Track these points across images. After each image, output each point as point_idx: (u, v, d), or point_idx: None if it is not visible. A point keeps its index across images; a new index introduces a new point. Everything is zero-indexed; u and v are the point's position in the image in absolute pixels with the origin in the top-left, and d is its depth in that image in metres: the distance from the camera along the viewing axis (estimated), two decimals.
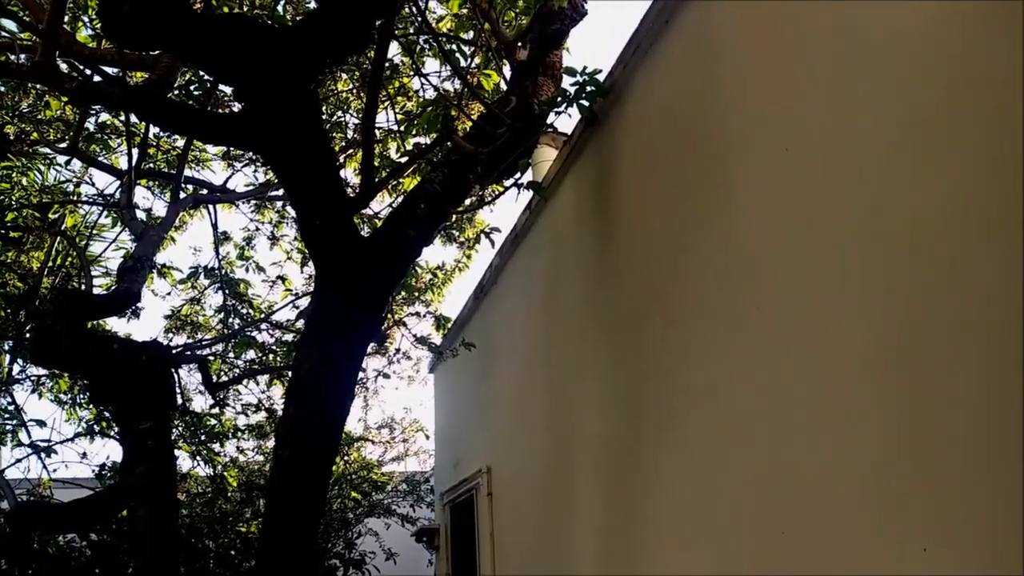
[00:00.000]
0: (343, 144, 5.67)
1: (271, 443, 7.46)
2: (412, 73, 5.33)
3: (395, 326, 6.19)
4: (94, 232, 6.08)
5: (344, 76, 5.43)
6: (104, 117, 5.44)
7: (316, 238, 3.26)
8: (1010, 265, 1.66)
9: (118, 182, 5.46)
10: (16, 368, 5.71)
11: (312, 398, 3.11)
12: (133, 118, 5.00)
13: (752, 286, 2.67)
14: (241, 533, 6.91)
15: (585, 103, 3.61)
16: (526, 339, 5.50)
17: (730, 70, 2.97)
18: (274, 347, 6.21)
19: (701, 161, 3.13)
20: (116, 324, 9.72)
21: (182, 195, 5.52)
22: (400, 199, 4.87)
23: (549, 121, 3.97)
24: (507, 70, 4.49)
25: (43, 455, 5.47)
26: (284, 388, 5.97)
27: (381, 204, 5.95)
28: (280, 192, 5.98)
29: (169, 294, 6.61)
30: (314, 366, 3.15)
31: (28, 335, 5.00)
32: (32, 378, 5.84)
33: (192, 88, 4.47)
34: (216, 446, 6.76)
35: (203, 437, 6.56)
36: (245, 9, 4.76)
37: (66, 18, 3.99)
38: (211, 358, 5.96)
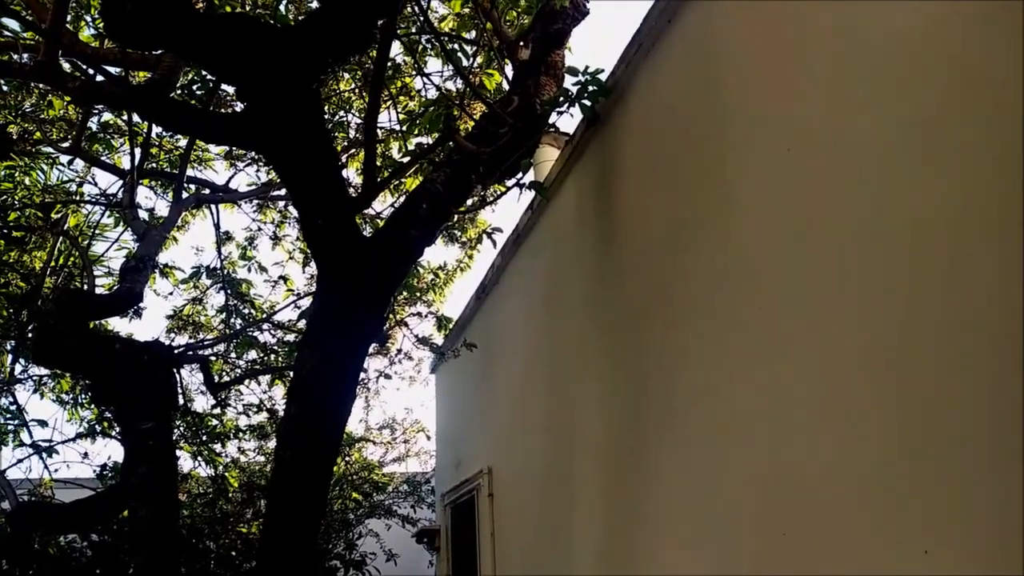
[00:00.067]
0: (345, 144, 5.68)
1: (272, 444, 7.46)
2: (414, 73, 5.34)
3: (397, 326, 6.19)
4: (96, 232, 6.08)
5: (346, 76, 5.43)
6: (107, 117, 5.44)
7: (318, 238, 3.26)
8: (1010, 265, 1.66)
9: (121, 182, 5.47)
10: (18, 368, 5.72)
11: (314, 398, 3.11)
12: (136, 118, 5.01)
13: (752, 286, 2.67)
14: (242, 534, 6.90)
15: (587, 103, 3.61)
16: (527, 339, 5.50)
17: (731, 70, 2.98)
18: (276, 347, 6.21)
19: (702, 161, 3.13)
20: (118, 324, 9.76)
21: (184, 195, 5.53)
22: (402, 199, 4.87)
23: (551, 121, 3.97)
24: (509, 70, 4.50)
25: (44, 455, 5.47)
26: (286, 388, 5.98)
27: (383, 204, 5.98)
28: (282, 192, 6.00)
29: (171, 294, 6.64)
30: (316, 366, 3.15)
31: (30, 335, 5.01)
32: (34, 378, 5.85)
33: (195, 88, 4.47)
34: (217, 446, 6.75)
35: (204, 437, 6.55)
36: (247, 8, 4.77)
37: (69, 17, 4.00)
38: (213, 358, 5.98)
